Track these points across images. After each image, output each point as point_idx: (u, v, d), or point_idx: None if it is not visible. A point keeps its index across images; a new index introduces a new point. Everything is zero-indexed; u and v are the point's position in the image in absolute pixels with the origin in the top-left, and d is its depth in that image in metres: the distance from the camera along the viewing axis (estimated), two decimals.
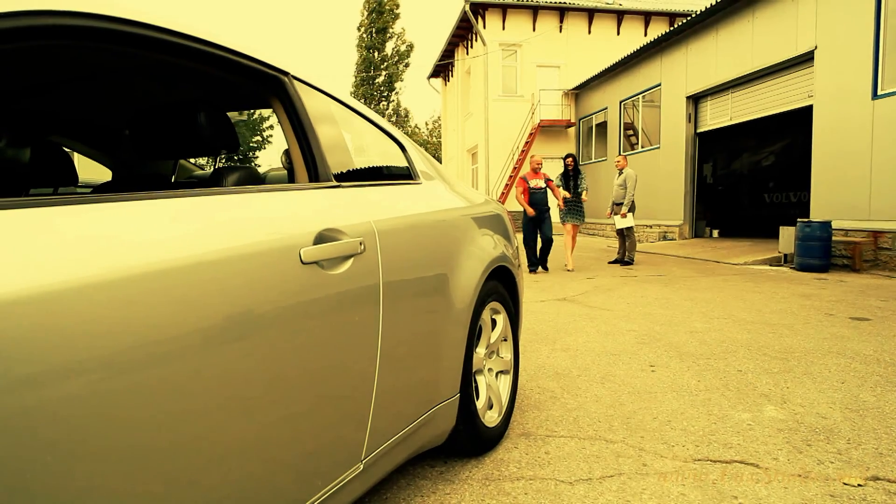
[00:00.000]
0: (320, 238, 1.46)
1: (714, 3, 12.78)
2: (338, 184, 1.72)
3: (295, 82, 1.71)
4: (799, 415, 2.86)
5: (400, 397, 1.84)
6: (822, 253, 8.87)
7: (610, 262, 10.47)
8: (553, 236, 9.35)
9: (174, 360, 1.04)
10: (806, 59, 10.53)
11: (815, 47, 10.17)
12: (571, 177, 9.50)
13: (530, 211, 9.01)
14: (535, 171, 9.12)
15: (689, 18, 14.08)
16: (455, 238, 2.25)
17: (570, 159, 9.57)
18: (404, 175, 2.28)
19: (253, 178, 1.72)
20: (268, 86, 1.66)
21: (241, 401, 1.19)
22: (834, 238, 9.07)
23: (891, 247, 8.58)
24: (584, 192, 9.47)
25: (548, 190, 9.19)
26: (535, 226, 9.15)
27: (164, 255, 1.06)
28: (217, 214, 1.26)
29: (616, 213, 10.14)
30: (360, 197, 1.78)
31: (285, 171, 1.92)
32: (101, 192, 2.13)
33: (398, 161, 2.29)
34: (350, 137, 2.04)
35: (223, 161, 2.16)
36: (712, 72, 13.46)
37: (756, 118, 12.51)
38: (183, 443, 1.06)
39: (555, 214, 10.05)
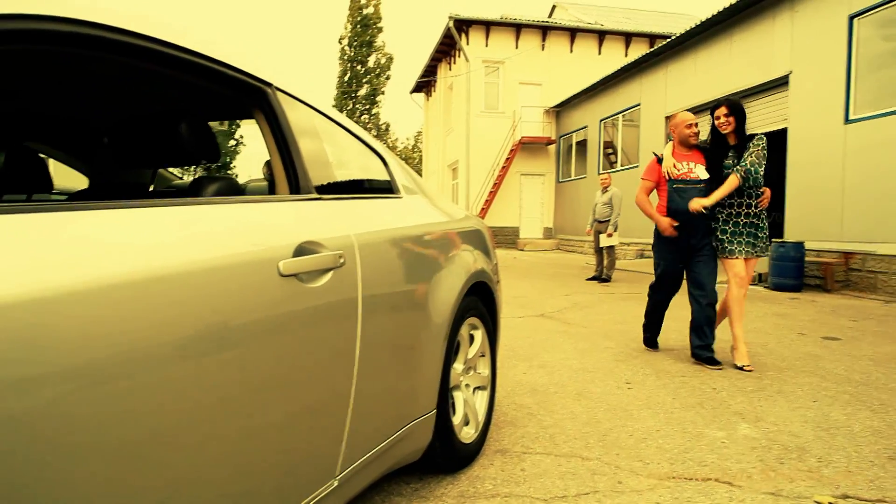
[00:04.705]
0: (300, 251, 1.45)
1: (692, 26, 13.04)
2: (319, 196, 1.71)
3: (278, 94, 1.71)
4: (772, 433, 2.89)
5: (376, 412, 1.82)
6: (795, 273, 9.02)
7: (588, 279, 10.54)
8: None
9: (148, 372, 1.02)
10: (781, 83, 10.75)
11: (791, 72, 10.40)
12: (734, 151, 4.24)
13: (667, 227, 4.35)
14: (690, 147, 4.39)
15: (668, 41, 14.34)
16: (435, 253, 2.25)
17: (723, 110, 4.21)
18: (386, 189, 2.28)
19: (232, 189, 1.70)
20: (251, 96, 1.65)
21: (216, 413, 1.17)
22: (807, 259, 9.23)
23: (861, 267, 8.75)
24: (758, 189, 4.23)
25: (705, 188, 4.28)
26: (682, 260, 4.40)
27: (140, 264, 1.04)
28: (194, 225, 1.25)
29: (601, 232, 10.18)
30: (340, 210, 1.78)
31: (266, 182, 1.91)
32: (77, 199, 2.10)
33: (380, 175, 2.29)
34: (333, 150, 2.03)
35: (203, 171, 2.15)
36: (691, 93, 13.69)
37: None
38: (156, 456, 1.04)
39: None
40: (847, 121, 9.18)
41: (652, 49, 15.51)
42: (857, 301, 7.93)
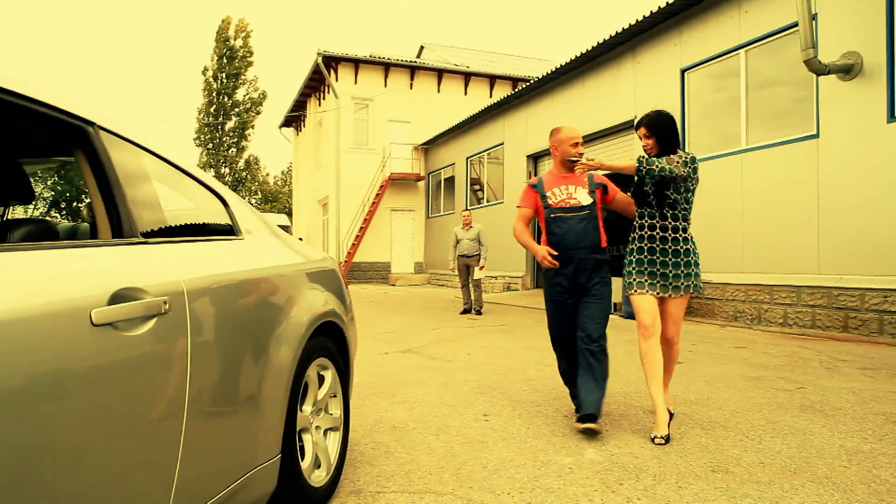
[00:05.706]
0: (116, 298, 1.38)
1: (550, 71, 13.89)
2: (144, 240, 1.64)
3: (101, 133, 1.63)
4: (615, 456, 3.06)
5: (211, 463, 1.75)
6: None
7: (462, 313, 10.71)
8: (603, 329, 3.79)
9: None
10: (628, 126, 11.67)
11: (635, 116, 11.31)
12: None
13: (544, 257, 3.69)
14: (571, 169, 3.80)
15: (528, 84, 15.17)
16: (276, 294, 2.22)
17: (642, 131, 3.69)
18: (225, 231, 2.23)
19: (45, 233, 1.60)
20: (69, 136, 1.57)
21: (21, 474, 1.08)
22: None
23: (701, 295, 9.56)
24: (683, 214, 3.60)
25: (598, 211, 3.89)
26: (576, 300, 3.79)
27: None
28: None
29: (470, 266, 10.47)
30: (169, 254, 1.71)
31: (87, 226, 1.81)
32: None
33: (220, 217, 2.23)
34: (166, 192, 1.96)
35: (15, 212, 2.00)
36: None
37: None
38: None
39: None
40: None
41: (514, 91, 16.35)
42: (698, 326, 8.64)
